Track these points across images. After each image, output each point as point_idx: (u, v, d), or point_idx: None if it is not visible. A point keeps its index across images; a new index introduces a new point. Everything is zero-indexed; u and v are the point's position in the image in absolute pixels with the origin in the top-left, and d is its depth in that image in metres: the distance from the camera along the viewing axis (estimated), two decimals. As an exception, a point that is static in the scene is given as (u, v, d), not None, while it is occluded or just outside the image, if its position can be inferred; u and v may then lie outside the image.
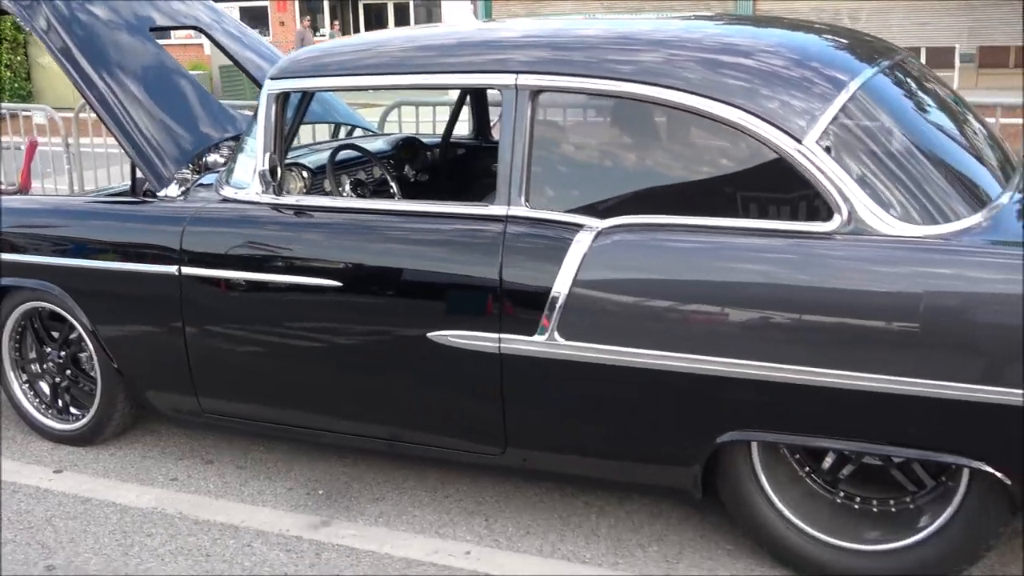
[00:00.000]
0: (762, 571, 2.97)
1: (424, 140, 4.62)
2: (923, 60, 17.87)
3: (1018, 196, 2.97)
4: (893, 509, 2.91)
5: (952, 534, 2.71)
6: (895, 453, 2.73)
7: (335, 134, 4.89)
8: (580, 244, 2.85)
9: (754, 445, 2.86)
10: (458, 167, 4.63)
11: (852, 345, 2.60)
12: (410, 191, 4.25)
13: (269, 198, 3.37)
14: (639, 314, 2.79)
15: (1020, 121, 5.45)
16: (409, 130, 6.11)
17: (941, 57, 17.59)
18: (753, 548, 3.03)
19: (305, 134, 6.10)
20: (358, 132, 4.89)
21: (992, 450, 2.56)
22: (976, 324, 2.49)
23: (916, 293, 2.54)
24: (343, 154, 4.04)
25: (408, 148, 4.41)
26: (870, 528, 2.87)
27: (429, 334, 3.04)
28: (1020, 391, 2.45)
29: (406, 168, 4.37)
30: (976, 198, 2.78)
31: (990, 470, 2.57)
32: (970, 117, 3.32)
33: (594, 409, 2.94)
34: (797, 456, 2.99)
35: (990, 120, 5.50)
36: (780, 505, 2.89)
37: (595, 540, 3.16)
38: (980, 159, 3.09)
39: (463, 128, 4.84)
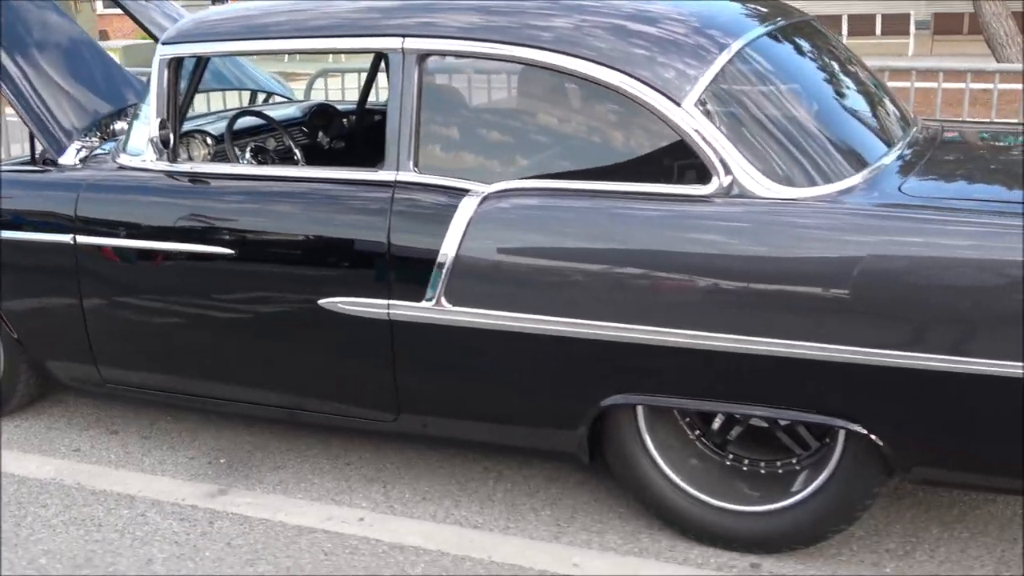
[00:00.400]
0: (650, 534, 2.99)
1: (340, 107, 4.58)
2: (879, 27, 18.00)
3: (907, 152, 2.99)
4: (780, 471, 2.93)
5: (828, 495, 2.74)
6: (775, 416, 2.75)
7: (252, 101, 4.84)
8: (466, 209, 2.84)
9: (639, 408, 2.87)
10: (374, 133, 4.59)
11: (732, 308, 2.60)
12: (324, 158, 4.21)
13: (163, 165, 3.33)
14: (523, 279, 2.79)
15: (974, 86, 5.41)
16: (336, 98, 6.05)
17: (896, 24, 17.65)
18: (644, 511, 3.05)
19: (232, 100, 6.06)
20: (277, 99, 4.84)
21: (865, 412, 2.59)
22: (848, 285, 2.50)
23: (791, 256, 2.55)
24: (252, 122, 4.00)
25: (321, 115, 4.37)
26: (751, 490, 2.89)
27: (320, 301, 3.02)
28: (890, 352, 2.48)
29: (320, 135, 4.33)
30: (857, 159, 2.79)
31: (863, 432, 2.59)
32: (866, 80, 3.33)
33: (481, 374, 2.94)
34: (688, 419, 3.02)
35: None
36: (664, 467, 2.90)
37: (490, 505, 3.17)
38: (867, 121, 3.11)
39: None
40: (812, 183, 2.65)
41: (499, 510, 3.14)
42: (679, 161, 2.74)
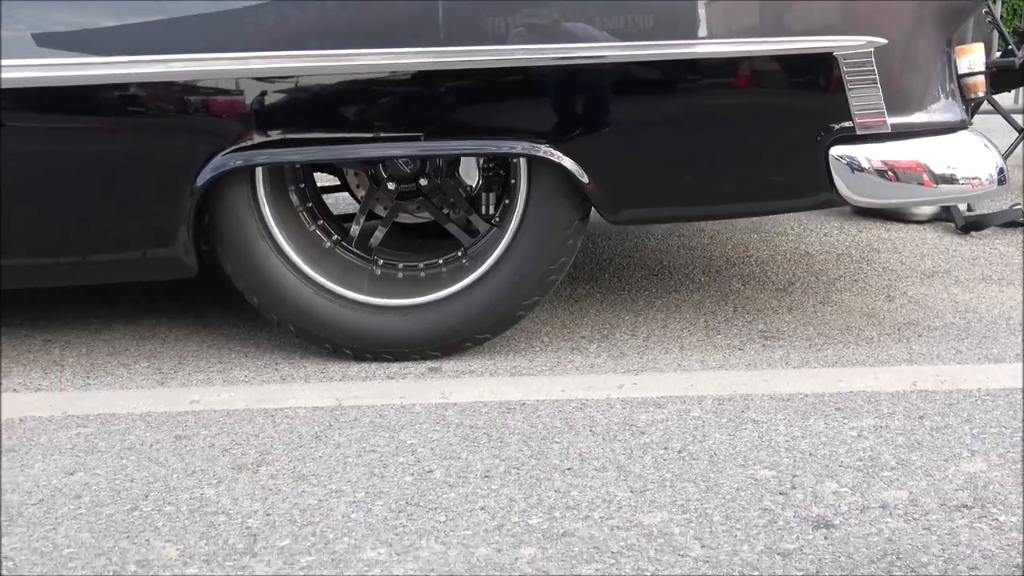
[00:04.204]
0: (290, 362, 2.24)
1: None
2: None
3: None
4: (444, 270, 2.33)
5: (517, 258, 2.15)
6: (436, 150, 2.12)
7: None
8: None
9: (260, 184, 2.14)
10: None
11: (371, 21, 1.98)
12: None
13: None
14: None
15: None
16: None
17: None
18: (279, 345, 2.31)
19: None
20: None
21: (565, 137, 2.04)
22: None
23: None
24: None
25: None
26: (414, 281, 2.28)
27: None
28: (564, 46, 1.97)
29: None
30: None
31: (562, 162, 2.03)
32: None
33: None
34: (320, 222, 2.34)
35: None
36: (300, 262, 2.18)
37: (57, 369, 2.24)
38: None
39: None
40: None
41: (71, 372, 2.22)
42: None
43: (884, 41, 1.99)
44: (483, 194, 2.46)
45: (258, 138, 2.03)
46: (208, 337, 2.42)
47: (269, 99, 2.01)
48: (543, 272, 2.18)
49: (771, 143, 2.08)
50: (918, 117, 2.07)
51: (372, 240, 2.36)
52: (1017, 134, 3.74)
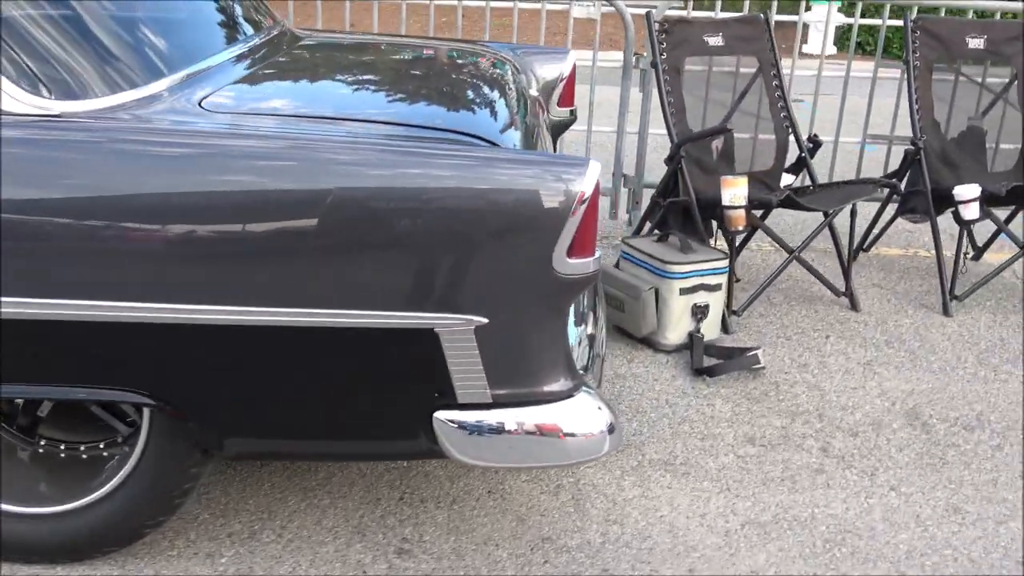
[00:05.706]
0: (-73, 555, 2.32)
1: None
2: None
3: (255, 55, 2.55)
4: (104, 453, 2.40)
5: (140, 483, 2.23)
6: (46, 395, 2.16)
7: None
8: None
9: None
10: None
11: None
12: None
13: None
14: None
15: None
16: None
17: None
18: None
19: None
20: None
21: (159, 381, 2.08)
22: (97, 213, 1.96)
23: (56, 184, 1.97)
24: None
25: None
26: (50, 486, 2.33)
27: None
28: (158, 306, 1.99)
29: None
30: (164, 67, 2.25)
31: (160, 404, 2.10)
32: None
33: None
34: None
35: None
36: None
37: None
38: (190, 26, 2.58)
39: None
40: (82, 95, 2.06)
41: None
42: None
43: (485, 320, 2.03)
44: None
45: None
46: None
47: None
48: (167, 497, 2.25)
49: (373, 399, 2.13)
50: (523, 388, 2.12)
51: (40, 410, 2.41)
52: (789, 255, 3.78)
